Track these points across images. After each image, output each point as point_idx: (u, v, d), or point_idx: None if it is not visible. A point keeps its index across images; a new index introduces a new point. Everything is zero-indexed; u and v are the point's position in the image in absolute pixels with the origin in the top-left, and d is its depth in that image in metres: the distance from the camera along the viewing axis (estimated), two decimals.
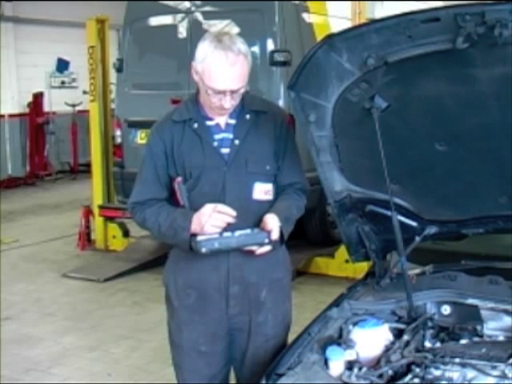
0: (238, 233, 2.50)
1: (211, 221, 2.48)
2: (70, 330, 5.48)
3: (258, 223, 2.58)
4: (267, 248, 2.55)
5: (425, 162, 2.61)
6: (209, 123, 2.64)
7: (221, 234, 2.50)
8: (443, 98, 2.34)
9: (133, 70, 7.50)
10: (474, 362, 2.27)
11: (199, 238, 2.48)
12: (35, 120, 12.89)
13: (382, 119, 2.42)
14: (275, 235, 2.55)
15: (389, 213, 2.61)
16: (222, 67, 2.46)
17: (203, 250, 2.47)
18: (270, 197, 2.67)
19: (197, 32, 6.41)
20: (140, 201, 2.70)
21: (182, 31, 7.14)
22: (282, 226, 2.58)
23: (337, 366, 2.32)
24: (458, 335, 2.50)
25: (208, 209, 2.50)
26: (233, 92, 2.51)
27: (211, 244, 2.48)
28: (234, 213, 2.49)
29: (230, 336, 2.73)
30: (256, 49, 6.64)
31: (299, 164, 2.76)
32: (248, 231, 2.52)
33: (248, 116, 2.64)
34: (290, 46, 6.65)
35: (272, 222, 2.55)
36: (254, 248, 2.54)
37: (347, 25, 5.69)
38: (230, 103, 2.54)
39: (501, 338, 2.50)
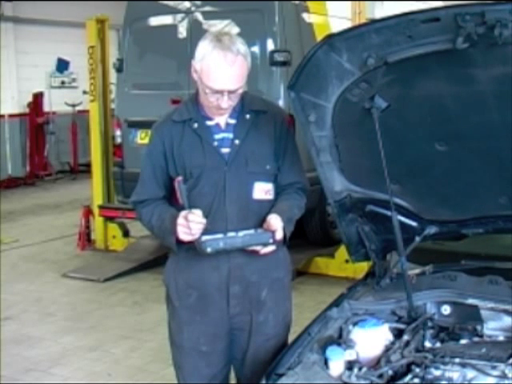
0: (242, 233, 2.51)
1: (184, 229, 2.49)
2: (70, 330, 5.47)
3: (258, 223, 2.59)
4: (271, 248, 2.56)
5: (425, 162, 2.61)
6: (209, 123, 2.64)
7: (225, 233, 2.50)
8: (443, 98, 2.34)
9: (133, 70, 7.49)
10: (474, 362, 2.26)
11: (204, 238, 2.48)
12: (35, 120, 12.89)
13: (381, 119, 2.42)
14: (279, 235, 2.56)
15: (389, 213, 2.61)
16: (221, 67, 2.46)
17: (208, 249, 2.47)
18: (270, 196, 2.67)
19: (197, 32, 6.41)
20: (137, 200, 2.74)
21: (182, 31, 7.14)
22: (284, 227, 2.58)
23: (337, 366, 2.32)
24: (458, 335, 2.50)
25: (180, 218, 2.50)
26: (230, 92, 2.51)
27: (216, 244, 2.48)
28: (204, 220, 2.49)
29: (230, 336, 2.73)
30: (256, 49, 6.63)
31: (299, 164, 2.77)
32: (252, 231, 2.53)
33: (248, 116, 2.65)
34: (290, 46, 6.65)
35: (276, 223, 2.55)
36: (258, 248, 2.55)
37: (347, 25, 5.68)
38: (227, 103, 2.54)
39: (501, 338, 2.50)
